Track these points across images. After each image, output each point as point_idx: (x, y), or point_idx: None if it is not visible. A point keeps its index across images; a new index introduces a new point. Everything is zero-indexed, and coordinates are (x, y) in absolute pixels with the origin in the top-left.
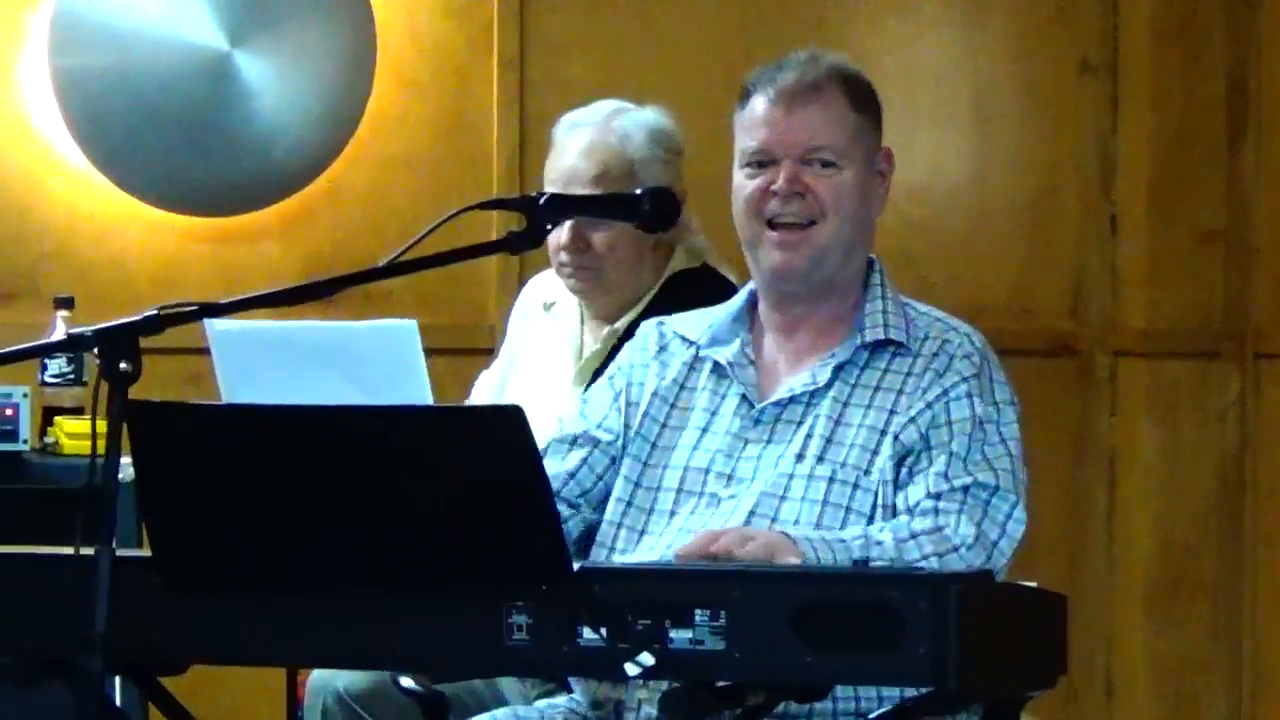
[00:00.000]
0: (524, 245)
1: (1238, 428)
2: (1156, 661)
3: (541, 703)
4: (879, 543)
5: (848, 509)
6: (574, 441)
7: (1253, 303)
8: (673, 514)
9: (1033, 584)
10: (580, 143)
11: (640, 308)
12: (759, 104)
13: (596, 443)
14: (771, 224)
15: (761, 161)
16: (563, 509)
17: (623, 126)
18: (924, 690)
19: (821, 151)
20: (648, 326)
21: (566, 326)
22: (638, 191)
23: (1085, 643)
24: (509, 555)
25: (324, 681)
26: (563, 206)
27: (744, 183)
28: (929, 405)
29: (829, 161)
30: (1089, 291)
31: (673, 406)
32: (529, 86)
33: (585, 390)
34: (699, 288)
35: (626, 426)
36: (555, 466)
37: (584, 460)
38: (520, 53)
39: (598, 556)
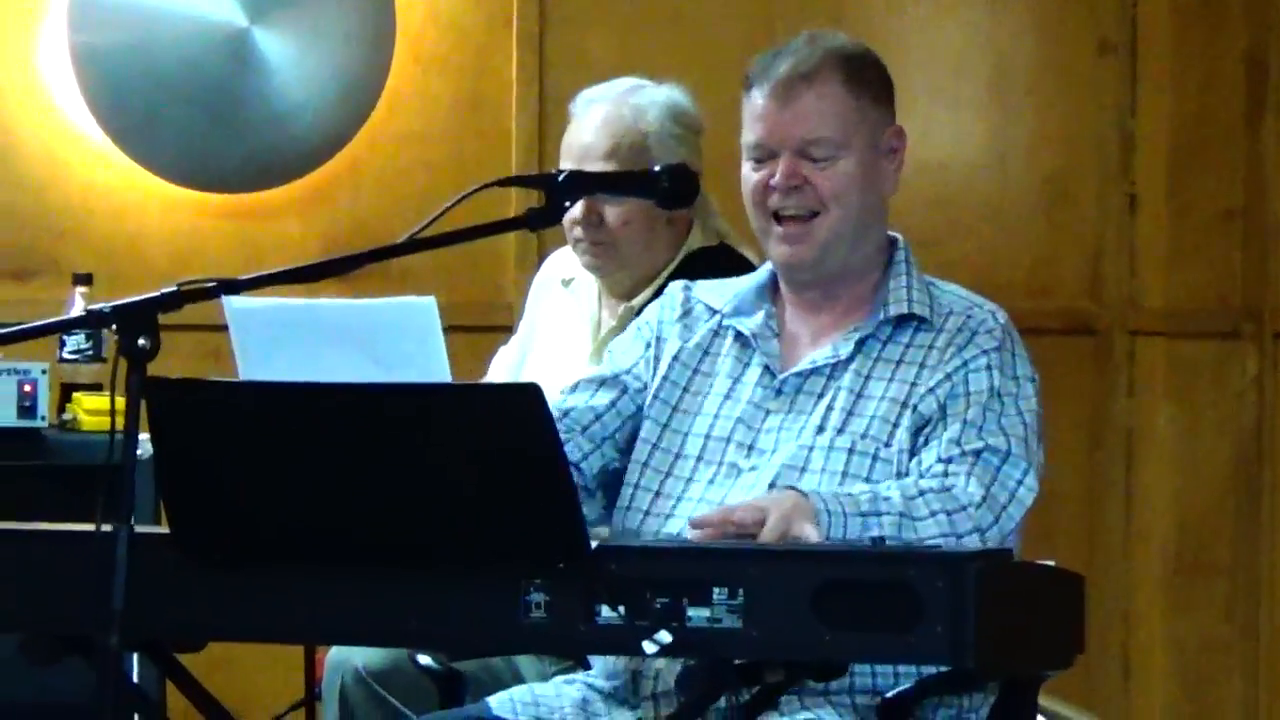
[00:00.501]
0: (543, 222)
1: (1256, 407)
2: (1174, 641)
3: (559, 679)
4: (886, 498)
5: (867, 480)
6: (603, 382)
7: (1271, 282)
8: (692, 481)
9: (1050, 563)
10: (595, 118)
11: (657, 284)
12: (756, 96)
13: (625, 389)
14: (777, 217)
15: (761, 156)
16: (585, 444)
17: (639, 102)
18: (942, 669)
19: (817, 144)
20: (675, 288)
21: (584, 303)
22: (656, 169)
23: (1102, 622)
24: (526, 533)
25: (342, 659)
26: (581, 184)
27: (749, 175)
28: (948, 376)
29: (828, 154)
30: (1108, 270)
31: (695, 372)
32: (548, 64)
33: None
34: (717, 266)
35: (653, 378)
36: (583, 401)
37: (612, 403)
38: (540, 30)
39: (619, 519)
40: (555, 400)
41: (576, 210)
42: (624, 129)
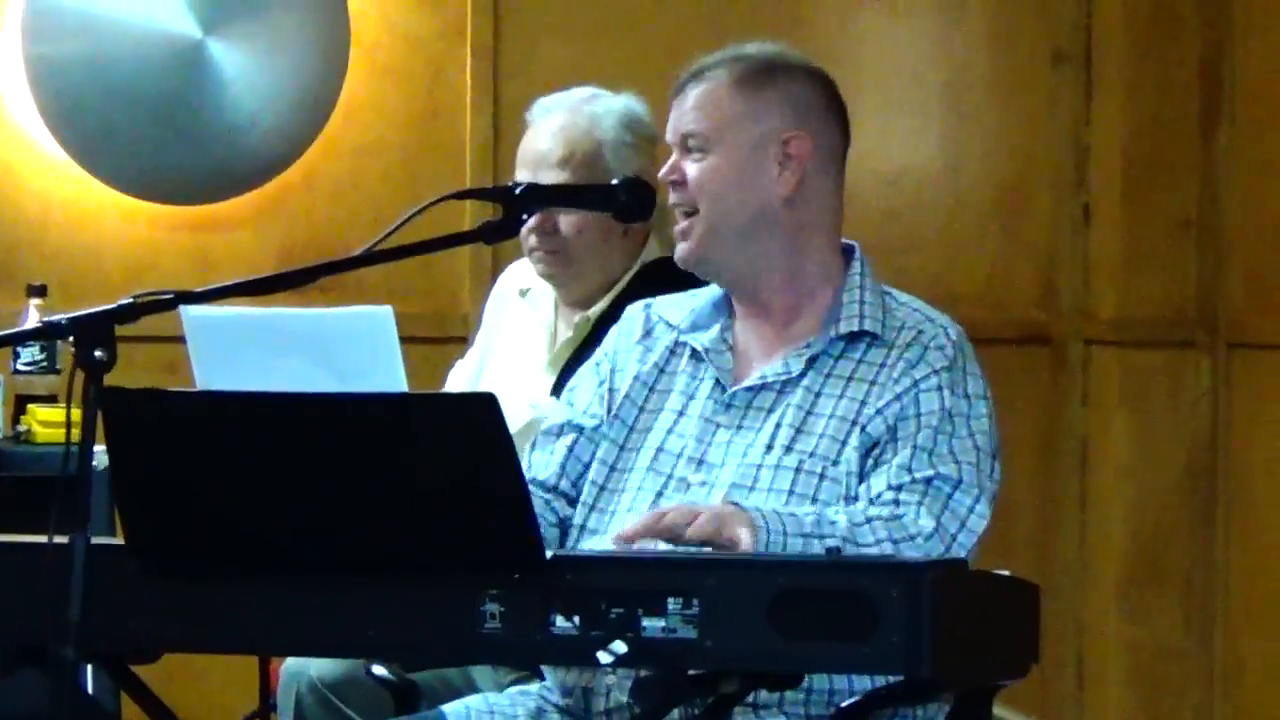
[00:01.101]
0: (499, 235)
1: (1210, 417)
2: (1129, 650)
3: (514, 690)
4: (833, 522)
5: (814, 499)
6: (559, 432)
7: (1225, 292)
8: (639, 491)
9: (1005, 573)
10: (551, 125)
11: (613, 295)
12: (672, 100)
13: (581, 430)
14: (680, 214)
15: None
16: (553, 498)
17: (594, 110)
18: (896, 679)
19: (691, 138)
20: (634, 310)
21: (541, 313)
22: (614, 182)
23: (1057, 631)
24: (482, 543)
25: (297, 670)
26: (539, 197)
27: None
28: (898, 397)
29: (697, 146)
30: (1062, 280)
31: (651, 390)
32: (502, 75)
33: (557, 377)
34: (673, 277)
35: (608, 411)
36: (544, 460)
37: (570, 449)
38: (494, 41)
39: (570, 537)
40: (521, 427)
41: (533, 219)
42: (579, 137)
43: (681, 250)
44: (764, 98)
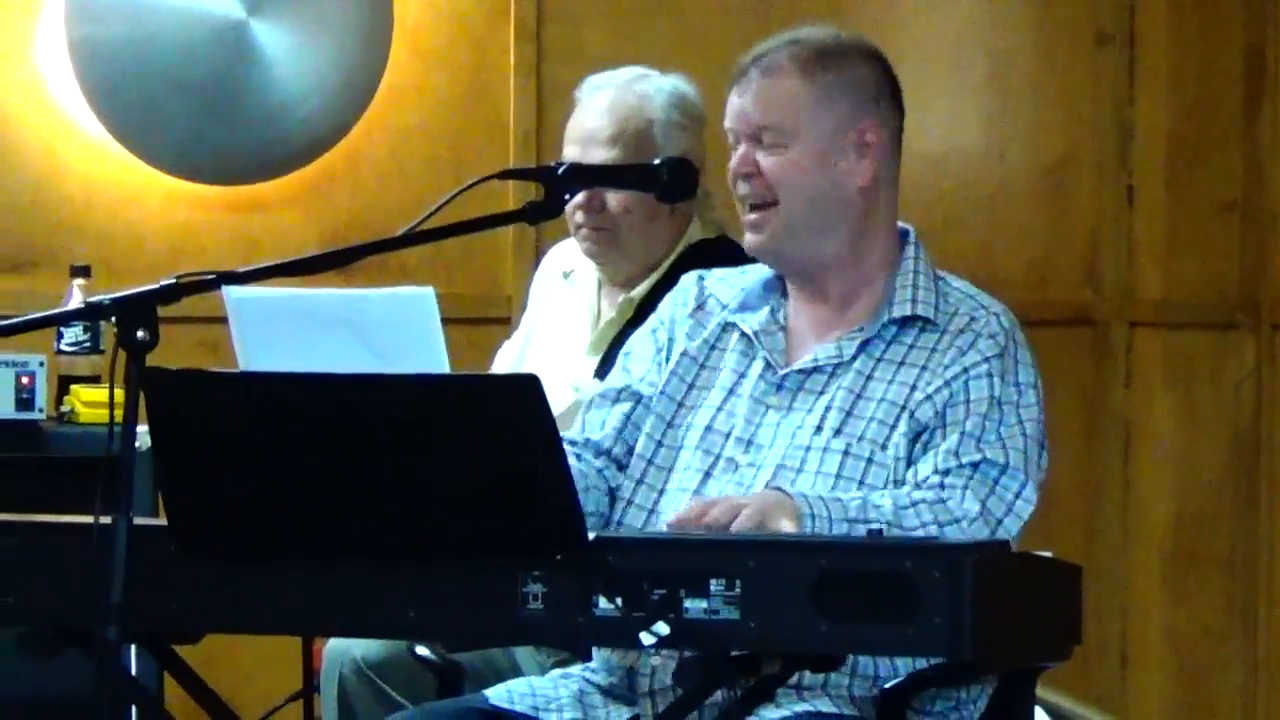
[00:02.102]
0: (542, 215)
1: (1253, 398)
2: (1172, 632)
3: (556, 672)
4: (877, 506)
5: (861, 483)
6: (617, 396)
7: (1269, 273)
8: (688, 470)
9: (1048, 555)
10: (601, 103)
11: (656, 276)
12: (733, 86)
13: (639, 397)
14: (745, 204)
15: (733, 144)
16: (606, 464)
17: (645, 90)
18: (939, 660)
19: (767, 131)
20: (689, 280)
21: (584, 295)
22: (656, 162)
23: (1100, 614)
24: (524, 524)
25: (340, 651)
26: (581, 176)
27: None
28: (948, 383)
29: (775, 140)
30: (1105, 262)
31: (701, 367)
32: (546, 56)
33: (601, 358)
34: (717, 258)
35: (663, 381)
36: (599, 421)
37: (627, 416)
38: (537, 22)
39: (617, 511)
40: (565, 410)
41: (579, 196)
42: (629, 115)
43: (754, 241)
44: (837, 86)
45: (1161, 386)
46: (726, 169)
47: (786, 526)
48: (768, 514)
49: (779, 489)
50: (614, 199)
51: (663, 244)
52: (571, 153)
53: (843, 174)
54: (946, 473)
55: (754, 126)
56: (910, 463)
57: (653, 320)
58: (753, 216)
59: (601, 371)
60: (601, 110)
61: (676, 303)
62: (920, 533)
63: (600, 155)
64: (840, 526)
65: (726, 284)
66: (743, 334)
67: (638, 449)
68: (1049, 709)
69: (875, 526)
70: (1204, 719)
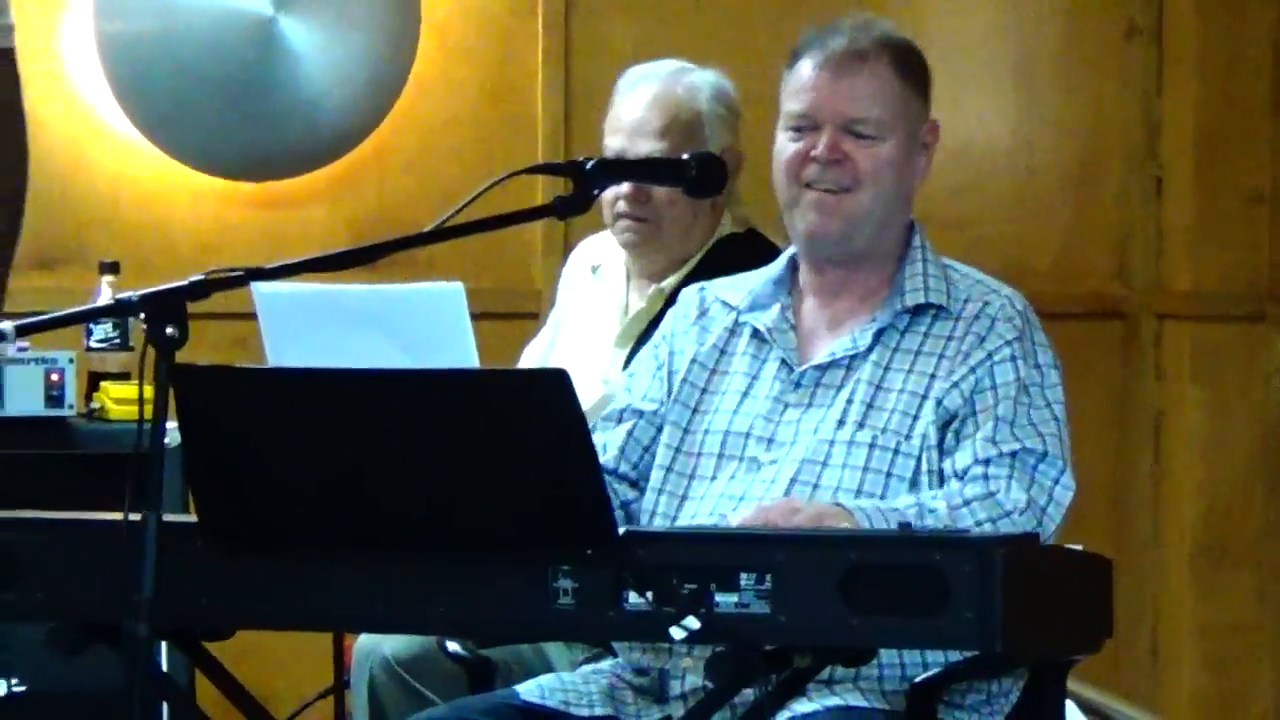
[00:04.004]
0: (570, 210)
1: None
2: (1202, 625)
3: (587, 668)
4: (933, 510)
5: (889, 474)
6: (619, 417)
7: None
8: (713, 479)
9: (1078, 547)
10: (646, 95)
11: (687, 269)
12: (806, 67)
13: (640, 414)
14: (810, 187)
15: (803, 126)
16: (616, 482)
17: (690, 82)
18: (970, 654)
19: (863, 123)
20: (689, 293)
21: (612, 288)
22: (684, 157)
23: (1131, 606)
24: (554, 519)
25: (371, 647)
26: (610, 171)
27: (785, 145)
28: (972, 370)
29: (871, 135)
30: (1134, 254)
31: (713, 372)
32: (573, 51)
33: (629, 350)
34: (746, 252)
35: (669, 394)
36: (604, 444)
37: (630, 433)
38: (564, 17)
39: (637, 522)
40: (594, 404)
41: (625, 186)
42: (678, 107)
43: (819, 224)
44: (915, 86)
45: (1191, 379)
46: (773, 151)
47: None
48: (824, 519)
49: (837, 504)
50: (660, 191)
51: (698, 237)
52: (616, 144)
53: (911, 172)
54: (987, 462)
55: (846, 117)
56: (944, 452)
57: (655, 337)
58: (826, 199)
59: (629, 365)
60: (647, 102)
61: (677, 315)
62: (976, 532)
63: (648, 147)
64: None
65: (731, 288)
66: (755, 332)
67: (657, 459)
68: (1080, 702)
69: (903, 520)
70: (1234, 711)
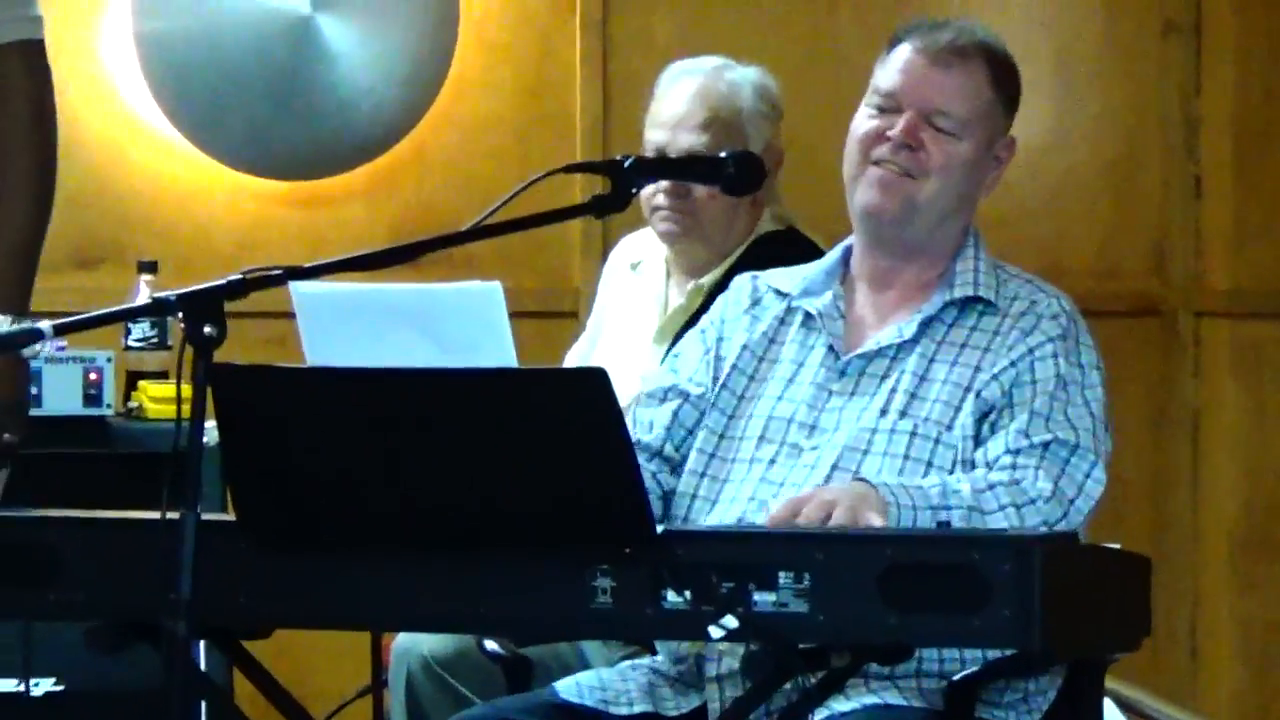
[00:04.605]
0: (609, 208)
1: None
2: (1241, 623)
3: (625, 664)
4: (956, 491)
5: (929, 464)
6: (664, 396)
7: None
8: (753, 462)
9: (1116, 546)
10: (688, 89)
11: (726, 264)
12: (904, 50)
13: (686, 396)
14: (877, 164)
15: (886, 107)
16: (659, 466)
17: (732, 78)
18: (1008, 652)
19: (945, 116)
20: (742, 280)
21: (652, 284)
22: (722, 155)
23: (1169, 604)
24: (592, 518)
25: (409, 645)
26: (648, 169)
27: (863, 121)
28: (1013, 363)
29: (951, 130)
30: (1173, 252)
31: (760, 359)
32: (612, 47)
33: (668, 346)
34: (786, 249)
35: (715, 380)
36: (648, 422)
37: (675, 414)
38: (603, 14)
39: (679, 507)
40: (631, 401)
41: (664, 181)
42: (721, 102)
43: (879, 202)
44: (1006, 97)
45: (1230, 376)
46: (855, 118)
47: (875, 520)
48: (858, 509)
49: (863, 480)
50: (699, 186)
51: (739, 233)
52: (658, 137)
53: (980, 181)
54: (1018, 452)
55: (930, 106)
56: (979, 442)
57: (703, 322)
58: (890, 178)
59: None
60: (690, 96)
61: (729, 302)
62: (999, 515)
63: (690, 141)
64: (925, 514)
65: (785, 276)
66: (804, 319)
67: (697, 444)
68: (1118, 700)
69: (943, 518)
70: (1275, 708)
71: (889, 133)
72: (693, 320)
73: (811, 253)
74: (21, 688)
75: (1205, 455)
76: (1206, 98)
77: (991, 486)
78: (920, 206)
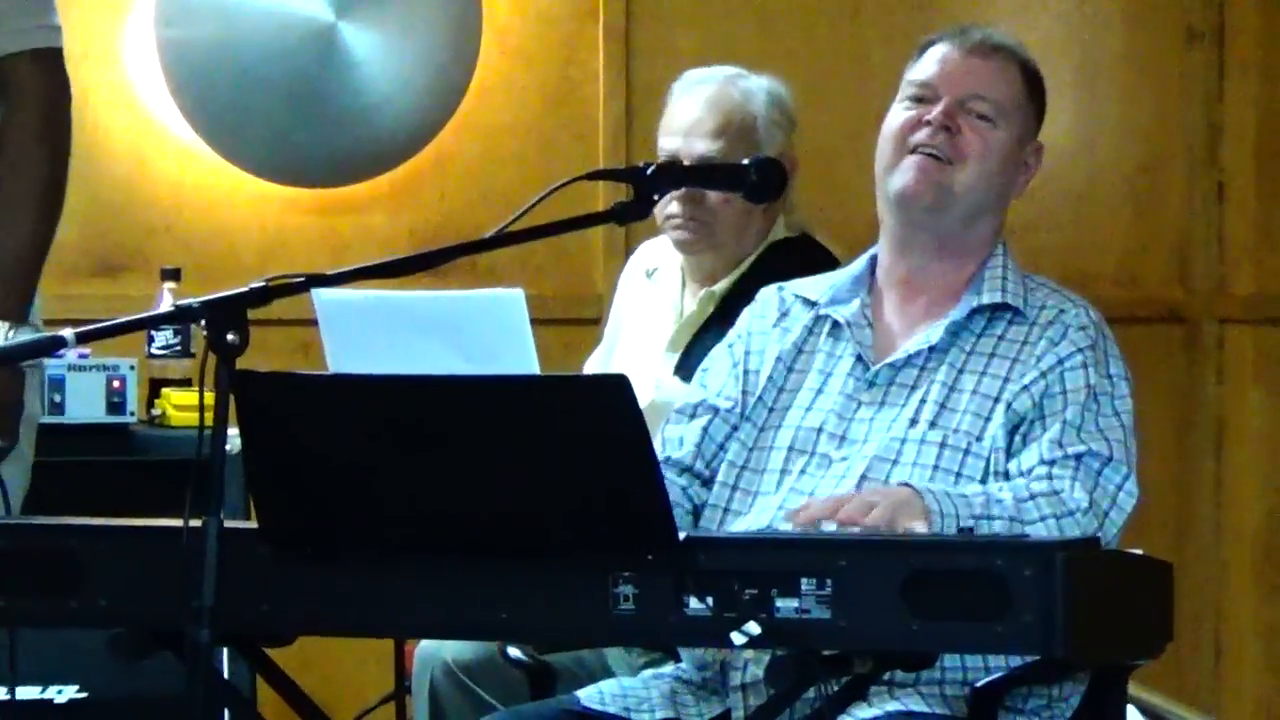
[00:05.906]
0: (631, 216)
1: None
2: (1265, 629)
3: (648, 672)
4: (999, 501)
5: (958, 474)
6: (694, 412)
7: None
8: (783, 473)
9: (1138, 551)
10: (702, 96)
11: (739, 272)
12: (939, 48)
13: (716, 410)
14: (915, 151)
15: (922, 97)
16: (689, 481)
17: (746, 86)
18: (1031, 658)
19: (983, 101)
20: (767, 292)
21: (668, 292)
22: (744, 162)
23: (1193, 611)
24: (615, 524)
25: (432, 652)
26: (670, 176)
27: (898, 114)
28: (1043, 374)
29: (987, 115)
30: (1196, 259)
31: (791, 370)
32: (635, 55)
33: (681, 354)
34: (799, 257)
35: (745, 393)
36: (679, 438)
37: (705, 429)
38: (626, 21)
39: (711, 519)
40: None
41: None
42: (734, 110)
43: (915, 185)
44: (1035, 102)
45: (1253, 383)
46: (888, 118)
47: (918, 527)
48: (898, 512)
49: (907, 485)
50: (714, 193)
51: (752, 240)
52: (671, 144)
53: (1009, 179)
54: (1052, 463)
55: (968, 92)
56: (1010, 454)
57: (730, 335)
58: (927, 163)
59: (682, 364)
60: (704, 103)
61: (755, 315)
62: (1040, 525)
63: (703, 147)
64: (967, 523)
65: (811, 284)
66: (832, 327)
67: (729, 456)
68: (1142, 706)
69: (968, 524)
70: None
71: (926, 117)
72: (704, 328)
73: (825, 259)
74: (45, 695)
75: (1228, 461)
76: (1229, 105)
77: (1033, 496)
78: (955, 193)
